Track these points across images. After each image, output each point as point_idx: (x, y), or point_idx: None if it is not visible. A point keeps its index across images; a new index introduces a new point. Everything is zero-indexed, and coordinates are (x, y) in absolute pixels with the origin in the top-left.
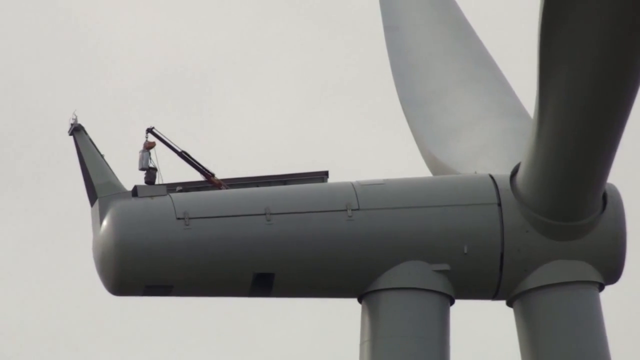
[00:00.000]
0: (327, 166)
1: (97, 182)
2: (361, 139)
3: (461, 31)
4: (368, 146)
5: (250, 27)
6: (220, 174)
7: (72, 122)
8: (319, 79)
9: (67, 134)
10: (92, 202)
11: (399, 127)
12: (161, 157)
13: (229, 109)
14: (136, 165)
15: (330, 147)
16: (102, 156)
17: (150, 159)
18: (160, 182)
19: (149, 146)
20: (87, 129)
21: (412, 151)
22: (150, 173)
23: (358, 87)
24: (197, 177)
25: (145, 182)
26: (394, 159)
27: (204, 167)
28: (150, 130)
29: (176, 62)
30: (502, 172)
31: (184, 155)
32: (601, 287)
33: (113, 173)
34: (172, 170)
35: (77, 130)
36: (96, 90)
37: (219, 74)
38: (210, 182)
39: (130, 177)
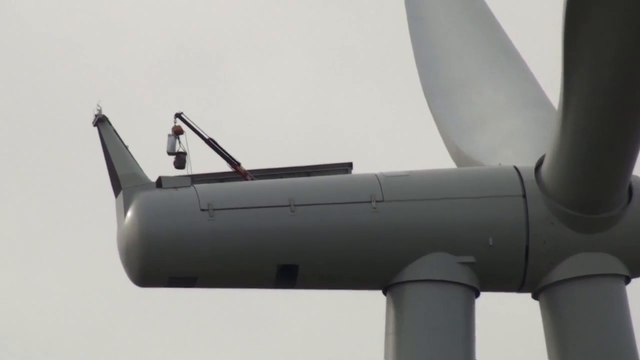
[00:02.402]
0: (349, 154)
1: (122, 173)
2: (385, 130)
3: (485, 21)
4: (392, 137)
5: (266, 5)
6: (240, 162)
7: (96, 113)
8: (343, 67)
9: (91, 124)
10: (116, 194)
11: (423, 118)
12: (188, 144)
13: (249, 94)
14: (159, 155)
15: (354, 135)
16: (126, 147)
17: (180, 143)
18: (190, 167)
19: (177, 130)
20: (109, 116)
21: (436, 142)
22: (180, 157)
23: (382, 76)
24: (224, 165)
25: (175, 167)
26: (418, 150)
27: (230, 156)
28: (178, 116)
29: (191, 43)
30: (526, 163)
31: (211, 143)
32: (627, 280)
33: (137, 164)
34: (198, 158)
35: (101, 121)
36: (115, 75)
37: (238, 56)
38: (236, 171)
39: (154, 167)
